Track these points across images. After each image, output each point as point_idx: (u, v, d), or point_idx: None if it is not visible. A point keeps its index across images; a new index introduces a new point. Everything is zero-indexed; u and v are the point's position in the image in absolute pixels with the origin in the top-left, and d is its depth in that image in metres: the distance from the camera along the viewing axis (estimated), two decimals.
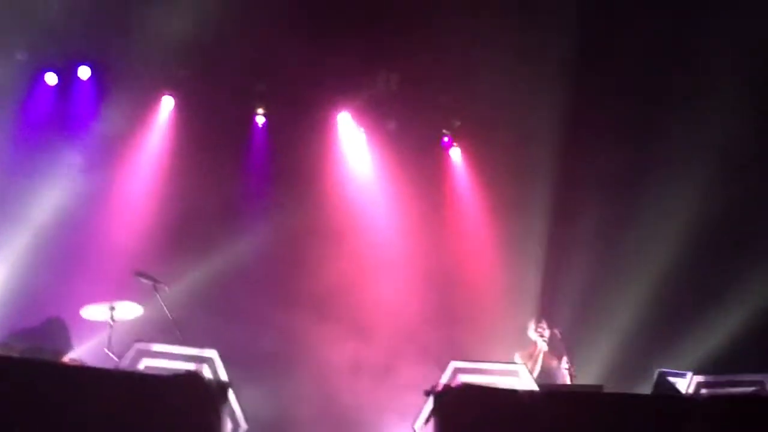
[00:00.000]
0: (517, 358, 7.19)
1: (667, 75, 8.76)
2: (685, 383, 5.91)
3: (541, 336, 7.39)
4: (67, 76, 8.57)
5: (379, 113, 9.62)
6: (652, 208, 8.89)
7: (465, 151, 9.88)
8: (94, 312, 6.59)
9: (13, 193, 7.83)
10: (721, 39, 8.22)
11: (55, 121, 8.43)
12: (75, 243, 7.85)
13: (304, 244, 8.95)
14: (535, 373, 7.13)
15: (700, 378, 5.98)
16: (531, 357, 7.32)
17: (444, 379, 5.87)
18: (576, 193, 9.10)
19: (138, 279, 6.89)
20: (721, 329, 8.38)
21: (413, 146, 9.59)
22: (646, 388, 6.37)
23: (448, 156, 9.93)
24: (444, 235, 9.37)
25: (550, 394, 5.95)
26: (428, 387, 5.58)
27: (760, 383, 5.79)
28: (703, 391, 5.85)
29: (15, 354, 5.68)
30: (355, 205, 9.46)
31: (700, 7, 8.21)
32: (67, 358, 6.10)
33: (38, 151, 8.06)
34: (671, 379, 5.97)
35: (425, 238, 9.31)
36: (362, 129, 9.72)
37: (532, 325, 7.51)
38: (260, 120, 9.36)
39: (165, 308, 6.90)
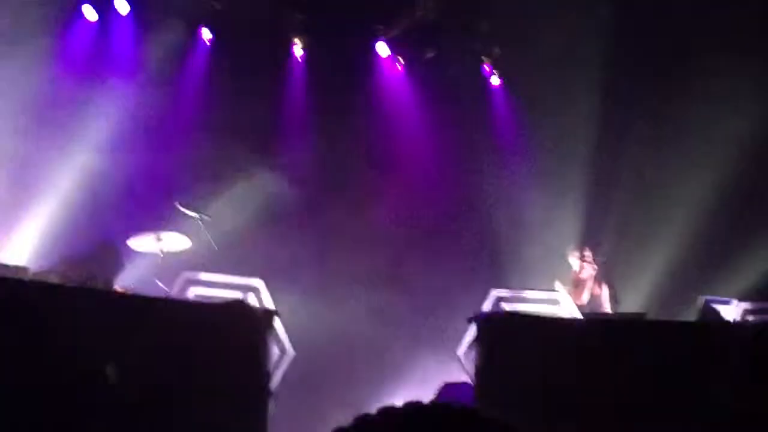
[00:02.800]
0: (557, 285, 7.17)
1: None
2: (731, 310, 5.88)
3: (586, 262, 7.33)
4: (106, 10, 8.55)
5: (417, 41, 9.46)
6: (695, 135, 8.67)
7: (505, 79, 9.70)
8: (141, 242, 6.73)
9: (56, 128, 7.92)
10: None
11: (95, 57, 8.45)
12: (121, 176, 7.96)
13: (344, 177, 8.98)
14: (582, 301, 7.14)
15: (745, 305, 5.93)
16: (574, 284, 7.31)
17: (486, 307, 5.91)
18: (618, 121, 8.92)
19: (182, 210, 7.01)
20: (765, 256, 8.25)
21: (453, 75, 9.45)
22: (690, 316, 6.34)
23: (489, 84, 9.75)
24: (484, 164, 9.30)
25: (592, 322, 5.98)
26: (471, 314, 5.65)
27: None
28: (749, 318, 5.81)
29: (67, 281, 5.84)
30: (395, 136, 9.41)
31: None
32: (118, 286, 6.26)
33: (80, 86, 8.11)
34: (716, 306, 5.93)
35: (466, 166, 9.27)
36: (401, 58, 9.59)
37: (575, 252, 7.46)
38: (298, 51, 9.28)
39: (210, 239, 7.03)
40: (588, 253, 7.38)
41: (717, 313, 5.81)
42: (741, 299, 6.17)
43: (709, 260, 8.43)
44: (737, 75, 8.39)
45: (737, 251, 8.36)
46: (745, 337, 5.16)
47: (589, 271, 7.32)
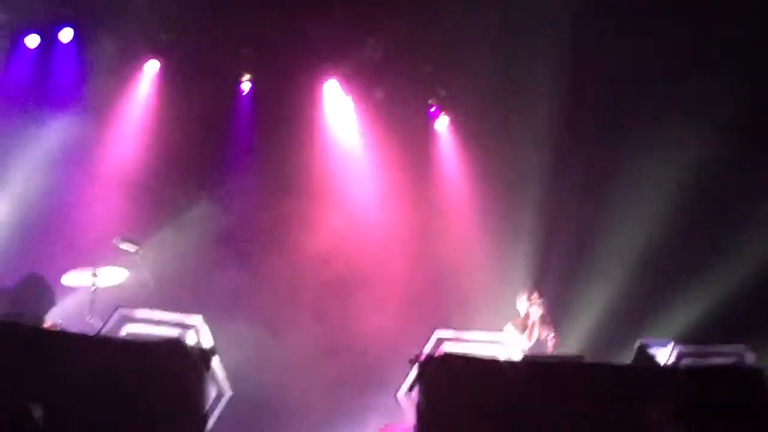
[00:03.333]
0: (509, 328, 7.20)
1: None
2: (666, 353, 5.96)
3: (536, 306, 7.37)
4: (49, 39, 8.40)
5: (366, 82, 9.54)
6: (629, 184, 8.91)
7: (452, 120, 9.83)
8: (76, 278, 6.53)
9: None
10: None
11: (36, 85, 8.28)
12: (56, 209, 7.76)
13: (289, 210, 8.92)
14: (530, 343, 7.18)
15: (681, 348, 6.02)
16: (525, 327, 7.34)
17: (428, 348, 5.88)
18: (558, 169, 9.11)
19: (120, 245, 6.83)
20: (705, 299, 8.45)
21: (400, 115, 9.53)
22: (627, 359, 6.42)
23: (434, 125, 9.87)
24: (430, 205, 9.36)
25: (531, 364, 5.99)
26: (412, 356, 5.61)
27: (739, 354, 5.85)
28: (684, 361, 5.89)
29: None
30: (341, 173, 9.42)
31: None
32: (47, 324, 6.04)
33: (18, 115, 7.92)
34: (652, 349, 6.01)
35: (411, 207, 9.30)
36: (350, 97, 9.64)
37: (524, 296, 7.50)
38: (246, 86, 9.25)
39: (148, 274, 6.86)
40: (536, 296, 7.43)
41: (651, 357, 5.90)
42: (678, 342, 6.27)
43: (650, 303, 8.60)
44: (663, 129, 8.69)
45: (674, 295, 8.56)
46: (678, 380, 5.25)
47: (537, 313, 7.37)
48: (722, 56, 8.51)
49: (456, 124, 9.77)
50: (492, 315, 7.63)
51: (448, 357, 5.65)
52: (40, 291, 6.23)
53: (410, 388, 5.48)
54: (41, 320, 5.94)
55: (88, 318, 6.32)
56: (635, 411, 4.89)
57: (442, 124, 9.84)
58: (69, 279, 6.53)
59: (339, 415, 8.04)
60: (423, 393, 5.25)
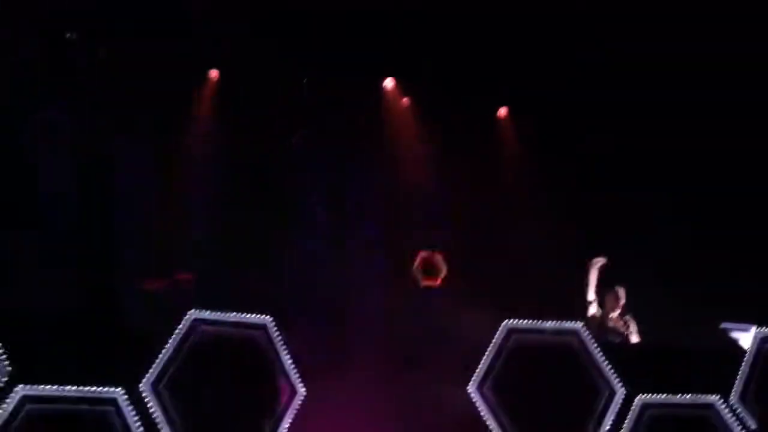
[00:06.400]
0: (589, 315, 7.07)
1: None
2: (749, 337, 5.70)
3: (613, 294, 7.25)
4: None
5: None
6: None
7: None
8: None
9: None
10: None
11: None
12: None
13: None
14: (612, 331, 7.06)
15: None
16: (602, 316, 7.21)
17: (497, 339, 5.79)
18: None
19: None
20: None
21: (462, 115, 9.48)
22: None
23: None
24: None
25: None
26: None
27: None
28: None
29: None
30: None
31: None
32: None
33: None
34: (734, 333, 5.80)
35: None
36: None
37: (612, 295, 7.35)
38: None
39: None
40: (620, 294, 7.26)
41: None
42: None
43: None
44: None
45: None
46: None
47: (614, 300, 7.22)
48: None
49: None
50: (563, 304, 7.46)
51: (522, 348, 5.57)
52: None
53: (482, 380, 5.40)
54: None
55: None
56: None
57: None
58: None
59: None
60: (494, 385, 5.21)
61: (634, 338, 7.17)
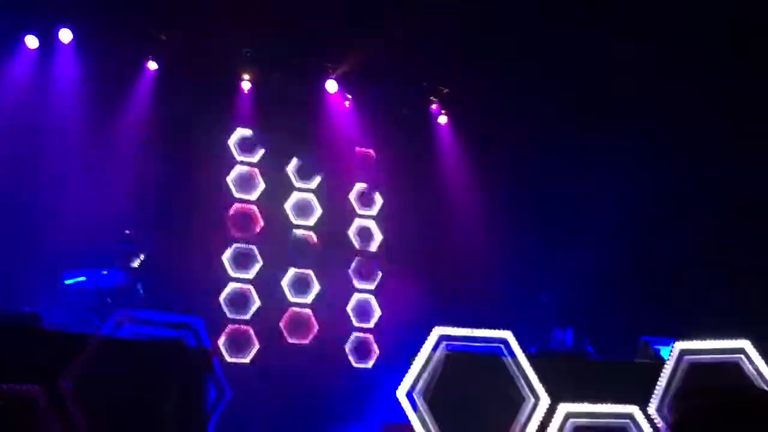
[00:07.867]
0: None
1: None
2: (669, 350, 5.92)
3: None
4: (48, 39, 8.36)
5: (366, 80, 9.55)
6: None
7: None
8: (76, 279, 6.53)
9: None
10: None
11: (36, 85, 8.23)
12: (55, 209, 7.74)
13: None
14: None
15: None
16: None
17: (428, 346, 5.84)
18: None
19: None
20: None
21: (401, 113, 9.60)
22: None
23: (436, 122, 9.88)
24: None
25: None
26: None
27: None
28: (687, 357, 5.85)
29: None
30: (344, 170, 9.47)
31: None
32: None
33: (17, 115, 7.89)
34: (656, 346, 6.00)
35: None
36: (349, 95, 9.64)
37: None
38: (246, 85, 9.25)
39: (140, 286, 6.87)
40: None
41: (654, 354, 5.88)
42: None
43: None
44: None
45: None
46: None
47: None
48: None
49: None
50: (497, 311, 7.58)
51: (451, 355, 5.63)
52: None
53: (412, 386, 5.43)
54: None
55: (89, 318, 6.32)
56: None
57: (443, 121, 9.90)
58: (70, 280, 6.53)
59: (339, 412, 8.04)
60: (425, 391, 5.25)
61: None
